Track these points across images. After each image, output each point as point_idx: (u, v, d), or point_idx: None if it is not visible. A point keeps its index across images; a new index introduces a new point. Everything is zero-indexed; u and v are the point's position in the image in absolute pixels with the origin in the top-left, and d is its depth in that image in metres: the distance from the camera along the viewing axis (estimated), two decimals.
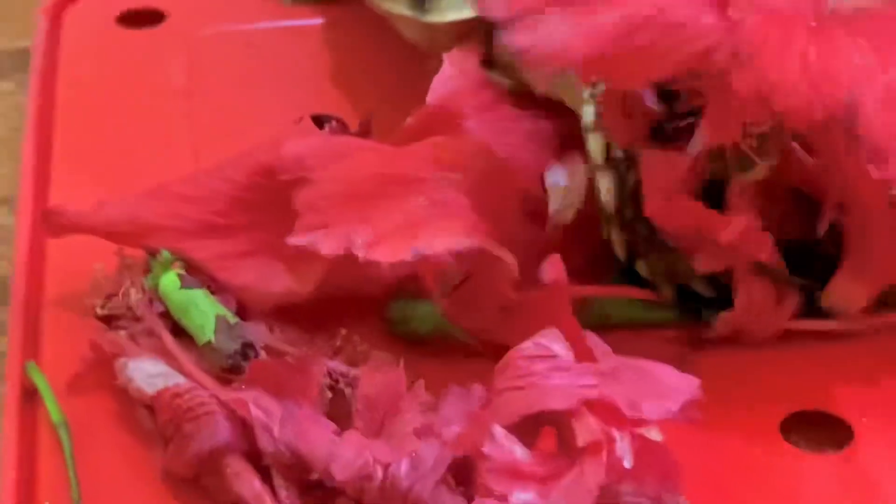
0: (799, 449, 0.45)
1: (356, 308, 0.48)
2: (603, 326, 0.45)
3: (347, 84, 0.62)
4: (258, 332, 0.46)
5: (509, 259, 0.44)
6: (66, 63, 0.63)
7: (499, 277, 0.44)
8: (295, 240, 0.42)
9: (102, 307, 0.49)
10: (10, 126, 0.63)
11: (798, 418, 0.46)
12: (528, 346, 0.42)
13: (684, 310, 0.49)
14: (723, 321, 0.48)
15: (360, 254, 0.41)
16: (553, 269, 0.43)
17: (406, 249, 0.41)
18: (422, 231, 0.41)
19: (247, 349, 0.45)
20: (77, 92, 0.62)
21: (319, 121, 0.51)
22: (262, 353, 0.45)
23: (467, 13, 0.54)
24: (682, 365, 0.45)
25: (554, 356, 0.42)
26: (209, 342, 0.45)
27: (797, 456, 0.45)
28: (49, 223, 0.50)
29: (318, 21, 0.66)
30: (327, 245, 0.41)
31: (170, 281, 0.47)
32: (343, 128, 0.52)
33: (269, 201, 0.47)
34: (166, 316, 0.47)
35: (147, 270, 0.49)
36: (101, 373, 0.47)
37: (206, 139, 0.59)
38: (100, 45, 0.65)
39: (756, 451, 0.45)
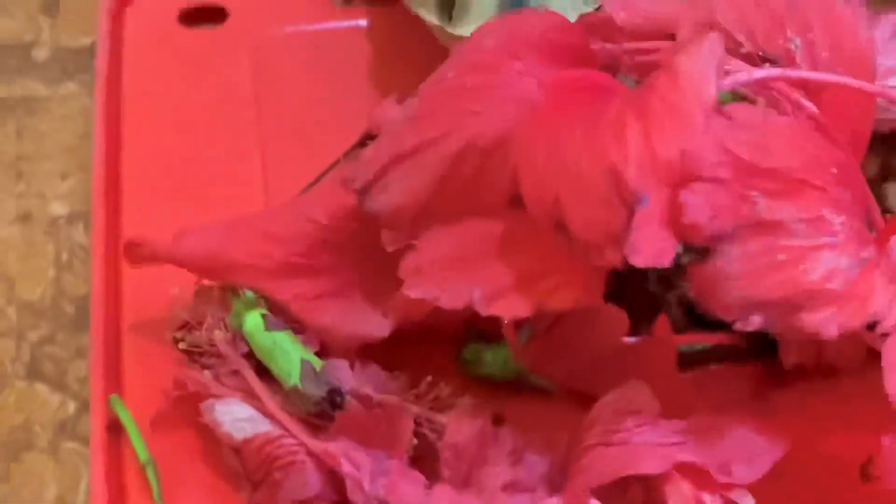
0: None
1: (430, 345, 0.49)
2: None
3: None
4: (342, 374, 0.46)
5: (618, 313, 0.44)
6: (129, 68, 0.63)
7: (602, 328, 0.45)
8: (414, 292, 0.42)
9: (183, 340, 0.49)
10: (77, 133, 0.62)
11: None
12: (614, 399, 0.43)
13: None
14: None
15: (481, 309, 0.41)
16: (663, 324, 0.44)
17: (526, 304, 0.41)
18: (540, 285, 0.41)
19: (333, 395, 0.45)
20: (142, 99, 0.61)
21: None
22: (349, 398, 0.45)
23: None
24: (760, 403, 0.45)
25: (640, 410, 0.42)
26: (295, 386, 0.46)
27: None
28: (129, 254, 0.50)
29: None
30: (447, 299, 0.41)
31: (254, 322, 0.47)
32: None
33: (351, 242, 0.47)
34: (250, 356, 0.47)
35: (226, 303, 0.49)
36: (185, 408, 0.48)
37: (276, 146, 0.59)
38: (162, 47, 0.64)
39: (836, 498, 0.45)
